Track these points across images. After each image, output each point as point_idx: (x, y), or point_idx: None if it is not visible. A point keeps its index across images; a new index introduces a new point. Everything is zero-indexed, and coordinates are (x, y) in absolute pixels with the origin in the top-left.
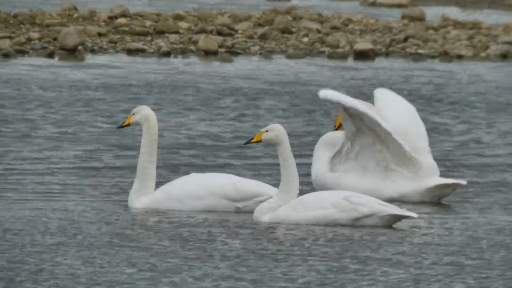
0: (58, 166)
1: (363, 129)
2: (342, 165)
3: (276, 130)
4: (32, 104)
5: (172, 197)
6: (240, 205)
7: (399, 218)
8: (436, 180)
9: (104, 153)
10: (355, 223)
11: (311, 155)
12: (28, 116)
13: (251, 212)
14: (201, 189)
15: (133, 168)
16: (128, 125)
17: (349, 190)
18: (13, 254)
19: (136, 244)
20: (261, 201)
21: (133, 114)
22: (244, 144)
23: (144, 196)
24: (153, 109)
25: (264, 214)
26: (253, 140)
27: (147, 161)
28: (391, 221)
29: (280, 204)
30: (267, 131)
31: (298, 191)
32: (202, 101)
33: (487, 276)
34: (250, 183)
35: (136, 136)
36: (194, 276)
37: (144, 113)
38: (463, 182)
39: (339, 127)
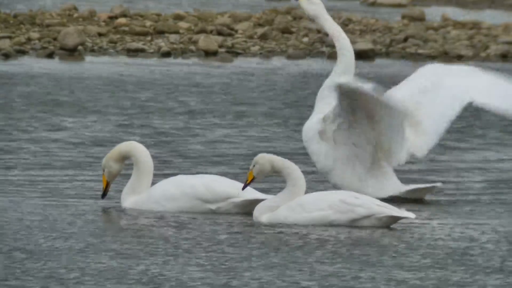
0: (57, 167)
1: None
2: (332, 133)
3: (260, 162)
4: (32, 104)
5: (152, 198)
6: (213, 206)
7: (397, 219)
8: (410, 186)
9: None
10: (352, 224)
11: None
12: (27, 116)
13: (226, 214)
14: (175, 190)
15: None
16: (108, 184)
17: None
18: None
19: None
20: (235, 203)
21: (104, 171)
22: (242, 189)
23: (134, 195)
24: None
25: (262, 214)
26: (248, 182)
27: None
28: (389, 222)
29: (279, 205)
30: (254, 166)
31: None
32: (203, 103)
33: (487, 276)
34: (223, 184)
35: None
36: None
37: (105, 164)
38: (438, 184)
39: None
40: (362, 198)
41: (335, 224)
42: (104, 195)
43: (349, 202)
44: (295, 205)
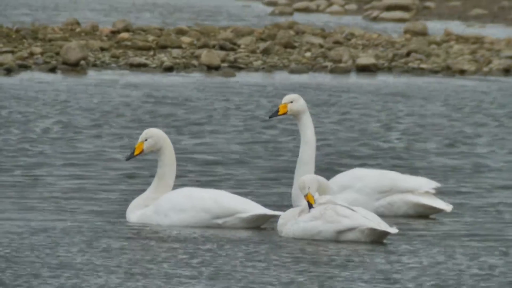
0: (56, 182)
1: None
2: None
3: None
4: (34, 119)
5: (159, 210)
6: (220, 221)
7: (380, 233)
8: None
9: (104, 170)
10: (339, 238)
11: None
12: (30, 131)
13: (231, 228)
14: (185, 203)
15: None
16: (141, 153)
17: None
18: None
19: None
20: (242, 218)
21: (146, 140)
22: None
23: (142, 209)
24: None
25: (282, 227)
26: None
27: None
28: (372, 236)
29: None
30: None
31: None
32: (206, 116)
33: None
34: (231, 199)
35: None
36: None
37: (159, 136)
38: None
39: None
40: (357, 210)
41: (322, 236)
42: (129, 158)
43: (339, 212)
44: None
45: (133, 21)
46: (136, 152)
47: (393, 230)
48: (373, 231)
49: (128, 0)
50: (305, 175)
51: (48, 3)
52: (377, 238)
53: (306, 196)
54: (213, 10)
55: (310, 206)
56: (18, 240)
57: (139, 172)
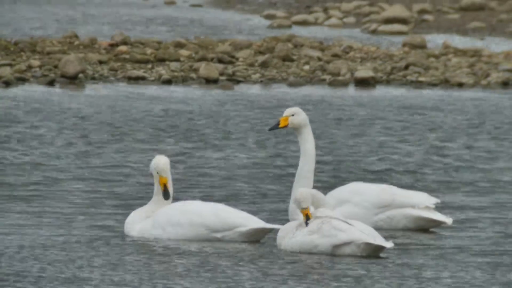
0: (55, 197)
1: None
2: None
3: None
4: (33, 132)
5: (156, 224)
6: (219, 235)
7: (376, 247)
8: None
9: (103, 185)
10: (336, 252)
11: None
12: (28, 145)
13: (230, 242)
14: (183, 218)
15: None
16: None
17: None
18: None
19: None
20: (241, 232)
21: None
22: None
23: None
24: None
25: (281, 240)
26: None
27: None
28: (368, 250)
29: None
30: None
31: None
32: (206, 131)
33: None
34: (231, 213)
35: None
36: None
37: (168, 164)
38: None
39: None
40: (353, 224)
41: (318, 250)
42: (168, 195)
43: (336, 226)
44: (294, 228)
45: (146, 34)
46: (167, 186)
47: (389, 244)
48: (368, 245)
49: (143, 14)
50: (300, 189)
51: (62, 16)
52: (373, 252)
53: (302, 210)
54: (227, 25)
55: (307, 219)
56: (30, 254)
57: (151, 187)
